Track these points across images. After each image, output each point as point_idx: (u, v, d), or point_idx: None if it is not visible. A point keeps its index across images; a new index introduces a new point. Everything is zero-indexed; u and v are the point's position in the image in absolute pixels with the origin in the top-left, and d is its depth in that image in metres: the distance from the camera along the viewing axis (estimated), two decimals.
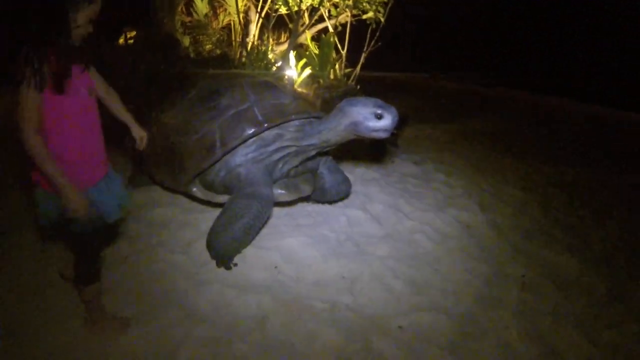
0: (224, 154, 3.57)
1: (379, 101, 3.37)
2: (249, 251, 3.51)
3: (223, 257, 3.38)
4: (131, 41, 8.46)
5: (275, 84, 4.01)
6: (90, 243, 2.69)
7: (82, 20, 2.42)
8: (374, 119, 3.32)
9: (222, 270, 3.37)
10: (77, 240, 2.66)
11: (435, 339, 2.85)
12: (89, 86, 2.54)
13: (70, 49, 2.42)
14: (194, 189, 3.80)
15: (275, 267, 3.43)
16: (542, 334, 3.02)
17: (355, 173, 5.10)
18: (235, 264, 3.41)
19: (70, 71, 2.38)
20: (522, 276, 3.65)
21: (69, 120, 2.42)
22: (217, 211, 3.85)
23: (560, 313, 3.26)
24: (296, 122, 3.66)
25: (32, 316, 2.93)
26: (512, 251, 4.03)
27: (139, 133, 3.15)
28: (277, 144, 3.65)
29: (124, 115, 3.10)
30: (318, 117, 3.70)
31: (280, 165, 3.77)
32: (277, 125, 3.60)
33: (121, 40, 8.83)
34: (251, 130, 3.52)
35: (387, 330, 2.89)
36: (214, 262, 3.43)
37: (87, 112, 2.50)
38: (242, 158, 3.64)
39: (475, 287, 3.43)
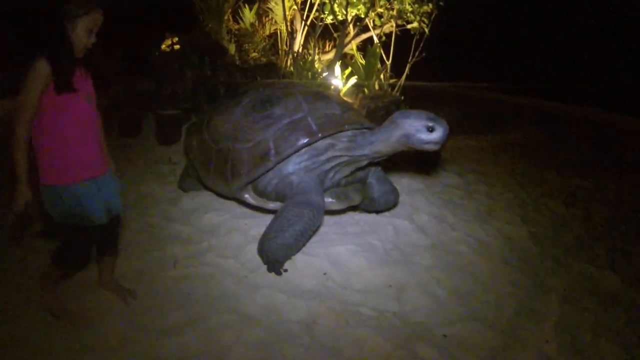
0: (278, 162, 3.64)
1: (431, 114, 3.41)
2: (298, 258, 3.57)
3: (274, 262, 3.44)
4: (177, 47, 8.58)
5: (327, 94, 4.07)
6: (70, 235, 2.86)
7: (81, 31, 2.62)
8: (425, 131, 3.36)
9: (272, 275, 3.43)
10: (60, 229, 2.84)
11: (478, 349, 2.87)
12: (88, 94, 2.78)
13: (70, 59, 2.64)
14: (246, 196, 3.88)
15: (324, 273, 3.48)
16: (581, 349, 3.00)
17: (402, 183, 5.12)
18: (286, 270, 3.47)
19: (71, 80, 2.63)
20: (563, 290, 3.63)
21: (64, 122, 2.66)
22: (266, 217, 3.93)
23: (600, 328, 3.23)
24: (349, 133, 3.71)
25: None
26: (554, 265, 4.01)
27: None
28: (330, 154, 3.70)
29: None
30: (369, 128, 3.74)
31: (331, 175, 3.82)
32: (330, 135, 3.66)
33: (164, 46, 8.95)
34: (305, 140, 3.58)
35: (431, 339, 2.91)
36: (264, 267, 3.49)
37: (82, 117, 2.73)
38: (295, 166, 3.71)
39: (517, 299, 3.43)
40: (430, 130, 3.34)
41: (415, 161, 5.82)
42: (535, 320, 3.21)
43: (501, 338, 2.98)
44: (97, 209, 2.80)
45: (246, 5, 8.31)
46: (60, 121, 2.66)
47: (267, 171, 3.69)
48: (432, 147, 3.42)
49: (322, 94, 4.02)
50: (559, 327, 3.14)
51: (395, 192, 4.32)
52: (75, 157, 2.72)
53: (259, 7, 8.55)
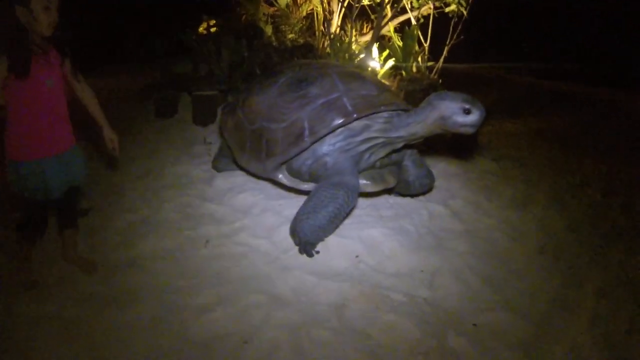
0: (313, 142, 3.61)
1: (468, 96, 3.34)
2: (331, 239, 3.54)
3: (306, 243, 3.43)
4: (214, 29, 8.60)
5: (363, 75, 4.02)
6: (30, 206, 3.14)
7: (36, 8, 2.70)
8: (462, 113, 3.29)
9: (304, 256, 3.42)
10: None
11: (509, 339, 2.81)
12: (50, 77, 2.93)
13: (25, 46, 2.76)
14: (280, 176, 3.86)
15: (357, 256, 3.45)
16: (615, 343, 2.89)
17: (437, 168, 5.05)
18: (318, 252, 3.45)
19: (28, 67, 2.77)
20: (599, 282, 3.52)
21: (26, 104, 2.86)
22: (300, 198, 3.92)
23: (635, 324, 3.13)
24: (385, 114, 3.65)
25: None
26: (591, 255, 3.89)
27: (109, 135, 3.40)
28: (365, 135, 3.65)
29: (97, 114, 3.36)
30: (406, 110, 3.68)
31: (366, 156, 3.78)
32: (366, 116, 3.60)
33: (201, 28, 8.99)
34: (340, 120, 3.54)
35: (462, 327, 2.87)
36: (296, 248, 3.49)
37: (43, 100, 2.92)
38: (330, 147, 3.67)
39: (551, 289, 3.35)
40: (467, 112, 3.28)
41: (451, 145, 5.74)
42: (569, 311, 3.12)
43: (533, 328, 2.91)
44: (56, 184, 3.03)
45: None
46: (22, 103, 2.86)
47: (302, 151, 3.66)
48: (468, 130, 3.36)
49: (358, 74, 3.97)
50: (594, 320, 3.04)
51: (430, 176, 4.26)
52: (36, 135, 2.93)
53: None
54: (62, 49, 3.05)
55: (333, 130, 3.61)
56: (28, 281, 3.22)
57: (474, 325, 2.90)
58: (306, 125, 3.59)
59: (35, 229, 3.26)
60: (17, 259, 3.32)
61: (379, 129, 3.63)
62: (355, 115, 3.54)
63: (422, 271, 3.36)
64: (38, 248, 3.46)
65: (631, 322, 3.11)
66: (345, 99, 3.63)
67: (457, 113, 3.30)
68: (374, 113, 3.61)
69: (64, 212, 3.40)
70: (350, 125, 3.64)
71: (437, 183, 4.52)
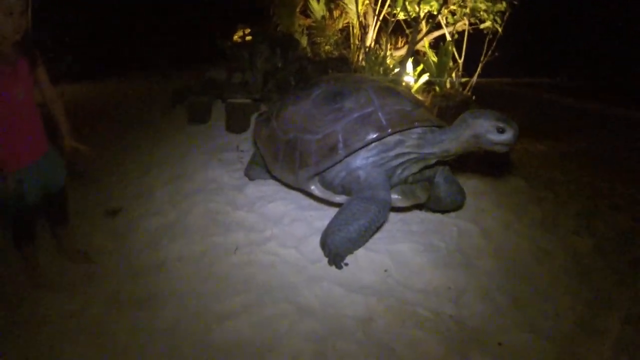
0: (347, 155, 3.63)
1: (502, 115, 3.33)
2: (360, 252, 3.56)
3: (335, 255, 3.44)
4: (248, 38, 8.69)
5: (397, 90, 4.03)
6: (14, 214, 3.17)
7: None
8: (496, 132, 3.29)
9: (332, 268, 3.44)
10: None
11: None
12: (19, 89, 2.91)
13: None
14: (313, 187, 3.89)
15: (385, 270, 3.46)
16: None
17: (468, 185, 5.02)
18: (347, 264, 3.46)
19: None
20: (626, 308, 3.47)
21: None
22: (331, 210, 3.94)
23: None
24: (418, 130, 3.66)
25: None
26: (618, 280, 3.84)
27: (69, 143, 3.29)
28: (398, 150, 3.66)
29: (61, 124, 3.29)
30: (440, 127, 3.69)
31: (399, 171, 3.79)
32: (400, 132, 3.62)
33: (236, 37, 9.09)
34: (375, 135, 3.56)
35: (486, 346, 2.87)
36: (324, 260, 3.50)
37: (15, 112, 2.90)
38: (363, 161, 3.69)
39: (577, 312, 3.33)
40: (501, 131, 3.28)
41: (483, 163, 5.71)
42: (594, 336, 3.10)
43: (557, 351, 2.90)
44: (32, 191, 3.08)
45: None
46: None
47: (335, 163, 3.68)
48: (501, 149, 3.36)
49: (393, 89, 3.98)
50: (618, 346, 3.01)
51: (462, 193, 4.25)
52: (10, 148, 2.94)
53: (330, 1, 8.56)
54: (33, 57, 3.05)
55: (367, 144, 3.63)
56: (34, 282, 3.36)
57: (499, 344, 2.90)
58: (340, 138, 3.62)
59: (25, 232, 3.32)
60: (23, 261, 3.44)
61: (412, 144, 3.64)
62: (389, 130, 3.55)
63: (449, 288, 3.35)
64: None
65: None
66: (380, 114, 3.65)
67: (490, 131, 3.30)
68: (408, 129, 3.62)
69: (52, 212, 3.55)
70: (384, 140, 3.65)
71: (467, 200, 4.50)
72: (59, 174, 3.34)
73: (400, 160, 3.71)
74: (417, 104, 3.95)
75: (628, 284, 3.83)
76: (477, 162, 5.66)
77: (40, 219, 3.77)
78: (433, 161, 3.75)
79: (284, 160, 3.96)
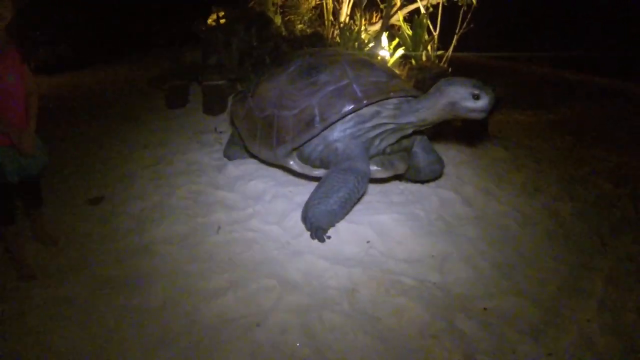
0: (323, 129, 3.63)
1: (477, 81, 3.34)
2: (342, 225, 3.57)
3: (317, 229, 3.45)
4: (223, 20, 8.61)
5: (372, 62, 4.03)
6: None
7: None
8: (471, 99, 3.29)
9: (315, 242, 3.45)
10: None
11: (518, 324, 2.85)
12: (10, 73, 3.10)
13: None
14: (291, 162, 3.89)
15: (367, 241, 3.48)
16: (624, 330, 2.92)
17: (447, 155, 5.05)
18: (329, 237, 3.48)
19: None
20: (607, 269, 3.53)
21: None
22: (311, 185, 3.95)
23: None
24: (394, 100, 3.66)
25: None
26: (599, 244, 3.91)
27: (28, 133, 3.29)
28: (375, 121, 3.66)
29: (30, 116, 3.32)
30: (415, 96, 3.69)
31: (376, 142, 3.79)
32: (376, 102, 3.62)
33: (210, 20, 9.00)
34: (350, 107, 3.55)
35: (471, 311, 2.91)
36: (307, 234, 3.52)
37: (3, 92, 3.08)
38: (340, 133, 3.69)
39: (560, 275, 3.38)
40: (476, 98, 3.28)
41: (461, 133, 5.74)
42: (578, 298, 3.15)
43: (542, 314, 2.95)
44: (9, 170, 3.18)
45: None
46: None
47: (312, 137, 3.68)
48: (477, 115, 3.36)
49: (368, 61, 3.98)
50: (602, 307, 3.07)
51: (441, 162, 4.26)
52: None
53: None
54: (24, 47, 3.23)
55: (343, 117, 3.63)
56: (24, 274, 3.39)
57: (484, 309, 2.93)
58: (317, 111, 3.61)
59: (5, 213, 3.37)
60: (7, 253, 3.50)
61: (388, 115, 3.64)
62: (365, 102, 3.55)
63: (432, 256, 3.39)
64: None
65: (639, 309, 3.13)
66: (355, 86, 3.64)
67: (466, 98, 3.30)
68: (383, 99, 3.62)
69: (27, 194, 3.64)
70: (360, 112, 3.65)
71: (447, 170, 4.53)
72: (38, 159, 3.37)
73: (377, 131, 3.71)
74: (392, 75, 3.95)
75: (609, 246, 3.89)
76: (455, 132, 5.69)
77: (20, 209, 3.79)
78: (410, 131, 3.76)
79: (261, 138, 3.96)
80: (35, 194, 3.66)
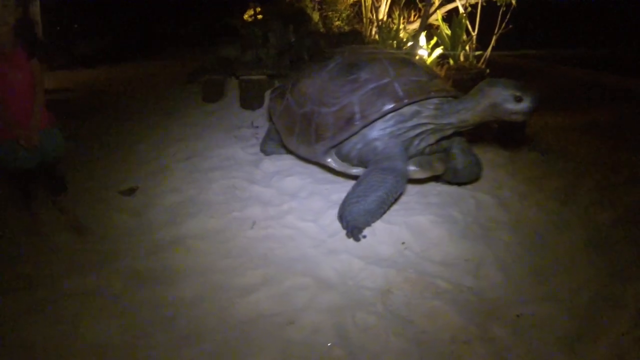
0: (363, 127, 3.62)
1: (519, 83, 3.29)
2: (378, 225, 3.55)
3: (354, 227, 3.44)
4: (260, 16, 8.65)
5: (413, 61, 4.00)
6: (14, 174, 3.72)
7: None
8: (513, 100, 3.25)
9: (350, 240, 3.43)
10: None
11: (552, 331, 2.78)
12: (10, 72, 3.35)
13: None
14: (329, 160, 3.88)
15: (403, 242, 3.45)
16: None
17: (485, 157, 4.99)
18: (365, 236, 3.45)
19: None
20: None
21: None
22: (348, 183, 3.93)
23: None
24: (435, 100, 3.63)
25: None
26: (637, 253, 3.81)
27: (33, 126, 3.52)
28: (415, 121, 3.64)
29: (35, 112, 3.52)
30: (456, 97, 3.66)
31: (416, 142, 3.76)
32: (416, 102, 3.59)
33: (246, 16, 9.05)
34: (391, 105, 3.53)
35: (505, 317, 2.84)
36: (343, 232, 3.50)
37: (12, 89, 3.36)
38: (380, 132, 3.67)
39: (596, 283, 3.28)
40: (518, 100, 3.23)
41: (499, 136, 5.67)
42: (614, 308, 3.04)
43: (576, 323, 2.86)
44: (27, 157, 3.50)
45: None
46: None
47: (352, 135, 3.67)
48: (519, 118, 3.31)
49: (408, 60, 3.95)
50: (638, 318, 2.97)
51: (479, 165, 4.22)
52: (5, 119, 3.39)
53: None
54: (30, 48, 3.49)
55: (384, 115, 3.61)
56: (76, 226, 3.79)
57: (517, 316, 2.87)
58: (357, 109, 3.60)
59: (21, 187, 3.82)
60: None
61: (429, 115, 3.61)
62: (406, 101, 3.53)
63: (467, 260, 3.34)
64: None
65: None
66: (396, 84, 3.62)
67: (508, 100, 3.26)
68: (425, 99, 3.59)
69: (47, 181, 3.85)
70: (400, 111, 3.63)
71: (484, 172, 4.48)
72: (56, 148, 3.67)
73: (417, 131, 3.69)
74: (433, 74, 3.92)
75: None
76: (493, 135, 5.62)
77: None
78: (450, 132, 3.72)
79: (300, 134, 3.95)
80: (55, 180, 3.86)
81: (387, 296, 2.92)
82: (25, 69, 3.42)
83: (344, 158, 3.83)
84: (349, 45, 5.73)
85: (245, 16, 9.02)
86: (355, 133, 3.65)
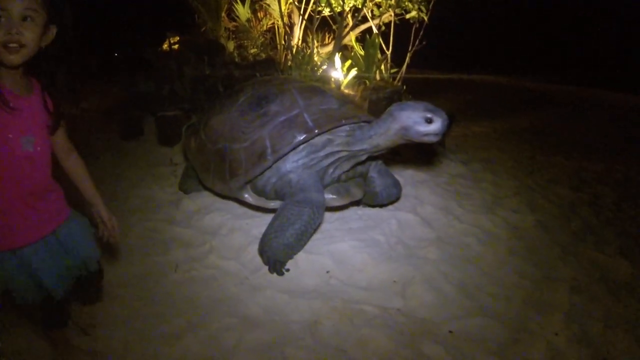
0: (275, 161, 3.58)
1: (429, 105, 3.32)
2: (300, 256, 3.52)
3: (275, 262, 3.40)
4: (175, 46, 8.54)
5: (323, 89, 4.01)
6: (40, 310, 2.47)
7: None
8: (424, 123, 3.28)
9: (274, 275, 3.39)
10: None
11: (486, 344, 2.81)
12: (28, 133, 1.99)
13: None
14: (246, 195, 3.82)
15: (327, 271, 3.43)
16: (592, 340, 2.93)
17: (405, 175, 5.05)
18: (287, 269, 3.42)
19: None
20: (572, 279, 3.55)
21: None
22: (267, 216, 3.88)
23: (611, 318, 3.16)
24: (346, 127, 3.64)
25: None
26: (562, 253, 3.93)
27: (105, 216, 2.47)
28: (328, 150, 3.63)
29: (87, 189, 2.48)
30: (368, 122, 3.67)
31: (331, 171, 3.76)
32: (327, 131, 3.59)
33: (165, 46, 8.93)
34: (302, 137, 3.51)
35: (437, 335, 2.86)
36: (265, 268, 3.45)
37: (16, 166, 1.97)
38: (293, 164, 3.64)
39: (525, 290, 3.38)
40: (429, 121, 3.26)
41: (419, 151, 5.76)
42: (544, 311, 3.15)
43: (509, 332, 2.92)
44: (51, 276, 2.17)
45: (238, 2, 8.20)
46: None
47: (265, 170, 3.63)
48: (431, 139, 3.34)
49: (318, 88, 3.95)
50: (569, 318, 3.07)
51: (397, 185, 4.25)
52: (9, 217, 2.01)
53: (254, 3, 8.45)
54: (53, 89, 2.13)
55: (295, 147, 3.58)
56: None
57: (450, 332, 2.89)
58: (268, 143, 3.56)
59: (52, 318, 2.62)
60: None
61: (341, 142, 3.61)
62: (316, 131, 3.52)
63: (394, 282, 3.35)
64: None
65: (607, 316, 3.15)
66: (305, 115, 3.61)
67: (418, 123, 3.28)
68: (335, 127, 3.59)
69: (81, 293, 2.67)
70: (312, 141, 3.62)
71: (405, 191, 4.52)
72: (88, 249, 2.38)
73: (330, 159, 3.68)
74: (344, 100, 3.92)
75: (572, 255, 3.92)
76: (413, 151, 5.70)
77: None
78: (364, 157, 3.73)
79: (215, 171, 3.89)
80: (94, 292, 2.95)
81: (315, 328, 2.88)
82: (44, 124, 2.11)
83: (260, 193, 3.78)
84: (259, 77, 5.71)
85: (164, 46, 8.88)
86: (268, 168, 3.61)
